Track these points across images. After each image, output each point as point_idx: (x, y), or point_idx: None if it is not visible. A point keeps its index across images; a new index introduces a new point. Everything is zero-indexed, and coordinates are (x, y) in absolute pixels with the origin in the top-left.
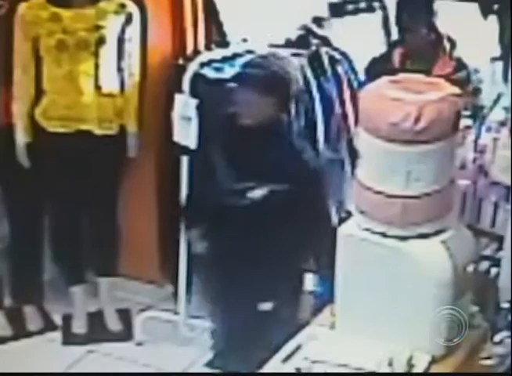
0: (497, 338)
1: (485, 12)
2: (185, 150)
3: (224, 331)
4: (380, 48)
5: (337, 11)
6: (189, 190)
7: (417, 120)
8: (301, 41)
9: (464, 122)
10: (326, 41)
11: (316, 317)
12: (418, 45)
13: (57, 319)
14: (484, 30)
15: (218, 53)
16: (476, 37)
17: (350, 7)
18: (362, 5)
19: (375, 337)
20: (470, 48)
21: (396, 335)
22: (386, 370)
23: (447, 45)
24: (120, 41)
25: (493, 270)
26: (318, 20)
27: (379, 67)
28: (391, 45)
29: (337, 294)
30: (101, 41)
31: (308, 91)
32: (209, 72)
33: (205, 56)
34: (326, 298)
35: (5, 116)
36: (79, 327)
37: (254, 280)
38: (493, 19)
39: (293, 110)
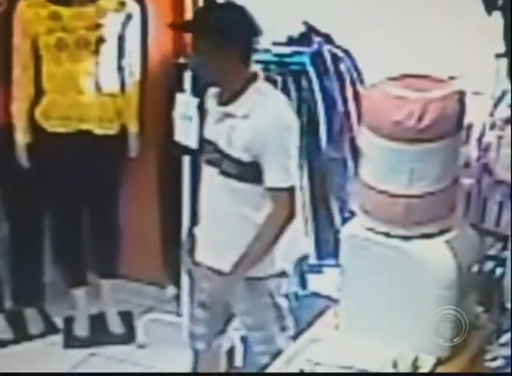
0: (503, 339)
1: (490, 8)
2: (186, 149)
3: None
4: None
5: None
6: None
7: (421, 118)
8: (303, 39)
9: (468, 120)
10: (328, 39)
11: (319, 319)
12: None
13: (59, 322)
14: (488, 27)
15: None
16: (480, 34)
17: None
18: None
19: (379, 338)
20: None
21: (401, 337)
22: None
23: None
24: (121, 40)
25: (498, 270)
26: None
27: None
28: None
29: (341, 295)
30: (101, 39)
31: (311, 89)
32: None
33: None
34: None
35: (5, 116)
36: (81, 329)
37: None
38: (497, 15)
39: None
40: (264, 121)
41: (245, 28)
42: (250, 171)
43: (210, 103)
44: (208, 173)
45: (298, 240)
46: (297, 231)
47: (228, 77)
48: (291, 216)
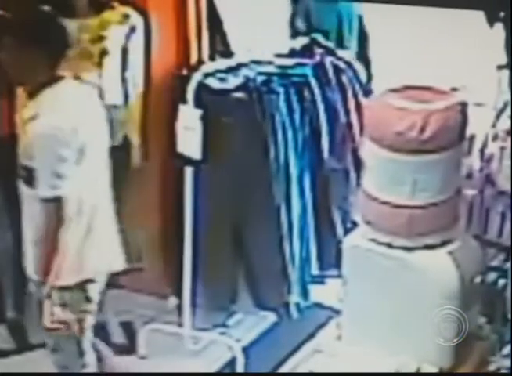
0: (505, 350)
1: (491, 20)
2: (189, 160)
3: None
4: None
5: None
6: None
7: (423, 129)
8: (306, 51)
9: (470, 131)
10: (330, 51)
11: (322, 329)
12: None
13: None
14: (490, 38)
15: (222, 63)
16: (482, 45)
17: None
18: None
19: (381, 349)
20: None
21: (403, 347)
22: None
23: None
24: (124, 52)
25: (501, 281)
26: None
27: None
28: None
29: (343, 306)
30: (104, 51)
31: (313, 100)
32: (213, 82)
33: (209, 66)
34: None
35: (9, 126)
36: None
37: None
38: (499, 27)
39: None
40: (40, 127)
41: (49, 32)
42: (29, 177)
43: None
44: None
45: (111, 254)
46: (108, 245)
47: (27, 76)
48: (58, 225)
